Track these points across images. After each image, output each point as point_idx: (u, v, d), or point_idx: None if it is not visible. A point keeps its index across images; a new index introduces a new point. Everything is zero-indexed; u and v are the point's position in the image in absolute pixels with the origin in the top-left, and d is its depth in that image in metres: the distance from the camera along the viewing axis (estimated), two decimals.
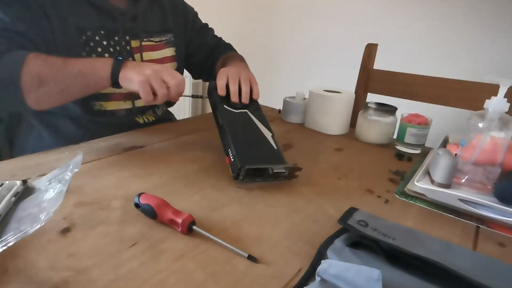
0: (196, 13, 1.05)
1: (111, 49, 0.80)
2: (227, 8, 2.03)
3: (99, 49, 0.78)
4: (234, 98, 0.71)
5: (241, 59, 0.98)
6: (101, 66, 0.66)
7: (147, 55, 0.87)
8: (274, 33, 1.96)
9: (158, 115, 0.97)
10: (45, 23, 0.71)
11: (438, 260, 0.40)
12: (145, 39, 0.87)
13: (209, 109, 2.38)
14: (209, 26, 1.08)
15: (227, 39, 1.10)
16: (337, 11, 1.72)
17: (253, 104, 0.74)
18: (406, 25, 1.54)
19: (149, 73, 0.64)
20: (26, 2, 0.69)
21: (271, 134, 0.68)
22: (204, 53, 1.04)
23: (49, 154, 0.67)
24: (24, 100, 0.64)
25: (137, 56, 0.85)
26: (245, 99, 0.72)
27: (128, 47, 0.83)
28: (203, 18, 1.06)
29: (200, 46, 1.03)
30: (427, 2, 1.47)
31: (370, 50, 1.08)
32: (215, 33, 1.09)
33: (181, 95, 0.70)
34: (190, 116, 2.14)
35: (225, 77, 0.73)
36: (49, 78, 0.64)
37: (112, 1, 0.80)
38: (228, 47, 1.06)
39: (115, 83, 0.66)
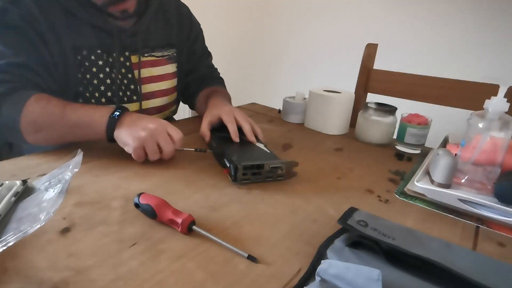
0: (200, 31, 1.02)
1: (107, 69, 0.78)
2: (227, 8, 2.03)
3: (94, 69, 0.77)
4: (235, 138, 0.71)
5: (226, 96, 0.95)
6: (98, 120, 0.64)
7: (147, 71, 0.86)
8: (274, 33, 1.96)
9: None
10: (43, 48, 0.71)
11: (438, 260, 0.40)
12: (146, 54, 0.85)
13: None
14: (209, 52, 1.06)
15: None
16: (337, 11, 1.72)
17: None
18: (406, 25, 1.54)
19: (144, 137, 0.61)
20: (23, 30, 0.68)
21: (264, 145, 0.70)
22: (192, 80, 1.01)
23: (49, 154, 0.67)
24: (26, 140, 0.67)
25: (136, 72, 0.83)
26: (251, 137, 0.72)
27: (127, 63, 0.81)
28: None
29: (191, 71, 1.00)
30: (427, 2, 1.47)
31: (370, 50, 1.08)
32: (215, 59, 1.07)
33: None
34: (190, 116, 2.14)
35: (231, 120, 0.73)
36: (45, 127, 0.65)
37: (115, 21, 0.78)
38: (218, 81, 1.04)
39: (110, 140, 0.65)
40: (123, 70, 0.81)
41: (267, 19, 1.96)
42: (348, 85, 1.15)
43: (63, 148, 0.70)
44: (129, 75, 0.82)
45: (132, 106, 0.85)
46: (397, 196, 0.61)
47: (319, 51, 1.82)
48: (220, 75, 1.09)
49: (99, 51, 0.77)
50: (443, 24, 1.45)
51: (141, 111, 0.86)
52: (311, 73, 1.87)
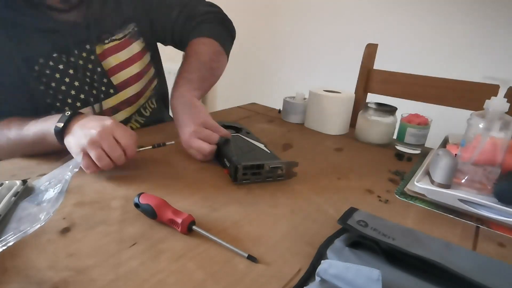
0: None
1: (71, 71, 0.72)
2: (227, 8, 2.03)
3: (57, 75, 0.71)
4: (228, 135, 0.68)
5: (204, 59, 0.80)
6: (49, 132, 0.60)
7: (114, 58, 0.79)
8: (274, 33, 1.96)
9: (146, 116, 0.91)
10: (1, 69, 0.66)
11: (438, 260, 0.40)
12: (106, 41, 0.77)
13: (209, 109, 2.38)
14: None
15: None
16: (337, 11, 1.72)
17: (242, 129, 0.78)
18: (406, 25, 1.54)
19: (84, 144, 0.55)
20: None
21: (264, 145, 0.70)
22: (168, 33, 0.89)
23: (49, 154, 0.67)
24: None
25: (105, 63, 0.77)
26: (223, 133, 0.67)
27: (92, 57, 0.75)
28: None
29: (164, 26, 0.88)
30: (427, 2, 1.47)
31: (370, 50, 1.08)
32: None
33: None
34: None
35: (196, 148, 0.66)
36: (11, 154, 0.66)
37: (61, 16, 0.71)
38: (197, 29, 0.86)
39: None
40: (90, 66, 0.75)
41: (267, 19, 1.96)
42: (348, 85, 1.15)
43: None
44: (98, 69, 0.76)
45: (112, 100, 0.80)
46: (397, 196, 0.61)
47: (319, 51, 1.82)
48: (202, 7, 0.91)
49: (55, 55, 0.70)
50: (443, 24, 1.45)
51: (116, 105, 0.81)
52: (311, 73, 1.87)
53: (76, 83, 0.74)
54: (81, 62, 0.73)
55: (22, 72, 0.68)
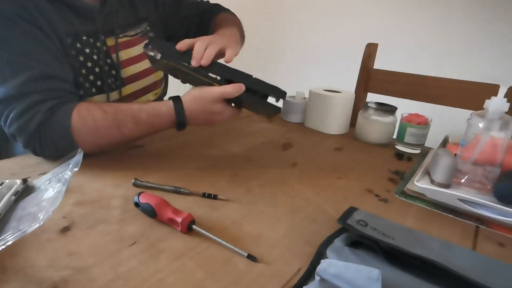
0: None
1: (94, 56, 0.73)
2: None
3: (81, 58, 0.71)
4: (194, 59, 0.63)
5: (233, 22, 0.88)
6: (166, 113, 0.64)
7: (125, 53, 0.80)
8: (274, 33, 1.96)
9: None
10: (49, 43, 0.65)
11: (437, 260, 0.40)
12: (120, 35, 0.79)
13: None
14: None
15: None
16: (337, 11, 1.72)
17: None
18: (406, 25, 1.54)
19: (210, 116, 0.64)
20: (28, 30, 0.62)
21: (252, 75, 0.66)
22: (186, 29, 0.94)
23: None
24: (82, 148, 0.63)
25: (114, 56, 0.78)
26: (204, 60, 0.63)
27: (104, 48, 0.75)
28: None
29: (179, 24, 0.93)
30: (427, 2, 1.47)
31: (370, 50, 1.08)
32: None
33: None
34: None
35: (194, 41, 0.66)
36: (114, 134, 0.63)
37: (87, 0, 0.72)
38: (215, 9, 0.95)
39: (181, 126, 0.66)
40: (101, 56, 0.75)
41: (267, 18, 1.96)
42: (348, 84, 1.15)
43: None
44: (108, 60, 0.77)
45: (119, 93, 0.80)
46: (396, 195, 0.61)
47: (319, 51, 1.82)
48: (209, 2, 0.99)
49: (84, 38, 0.71)
50: (443, 24, 1.45)
51: (123, 97, 0.81)
52: (311, 72, 1.87)
53: (97, 69, 0.74)
54: (95, 51, 0.74)
55: (66, 47, 0.68)
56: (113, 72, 0.78)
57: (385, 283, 0.34)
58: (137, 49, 0.84)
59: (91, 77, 0.74)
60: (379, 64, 1.09)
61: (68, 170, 0.44)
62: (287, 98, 1.02)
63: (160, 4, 0.91)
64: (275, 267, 0.41)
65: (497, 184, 0.56)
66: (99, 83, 0.75)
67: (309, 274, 0.39)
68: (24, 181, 0.51)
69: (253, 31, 2.03)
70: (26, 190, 0.49)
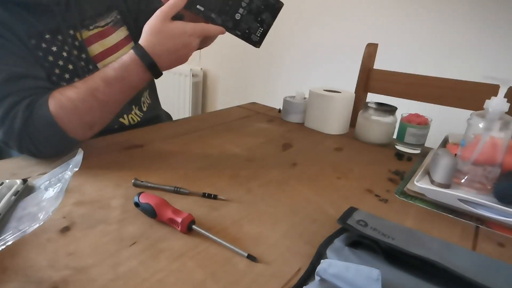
0: None
1: (64, 53, 0.70)
2: None
3: (51, 58, 0.68)
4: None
5: None
6: (130, 62, 0.59)
7: (99, 45, 0.77)
8: (274, 33, 1.96)
9: (144, 111, 0.90)
10: (16, 48, 0.63)
11: (437, 260, 0.40)
12: (91, 27, 0.75)
13: (209, 108, 2.38)
14: None
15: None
16: (337, 11, 1.72)
17: None
18: (406, 25, 1.54)
19: (192, 44, 0.59)
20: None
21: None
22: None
23: None
24: (73, 136, 0.61)
25: (90, 49, 0.75)
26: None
27: (76, 43, 0.72)
28: None
29: (148, 11, 0.88)
30: (427, 2, 1.47)
31: (371, 50, 1.08)
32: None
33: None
34: (190, 116, 2.14)
35: None
36: (93, 107, 0.60)
37: None
38: None
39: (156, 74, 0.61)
40: (75, 52, 0.72)
41: None
42: (348, 84, 1.15)
43: None
44: (83, 55, 0.74)
45: None
46: (396, 196, 0.61)
47: (319, 51, 1.82)
48: None
49: (47, 36, 0.68)
50: (443, 24, 1.45)
51: None
52: (311, 72, 1.87)
53: (70, 66, 0.71)
54: (66, 47, 0.71)
55: (29, 49, 0.65)
56: (90, 67, 0.76)
57: (385, 283, 0.34)
58: (111, 39, 0.80)
59: (66, 75, 0.71)
60: (379, 64, 1.09)
61: (68, 170, 0.44)
62: (287, 98, 1.02)
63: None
64: (275, 267, 0.41)
65: (497, 184, 0.56)
66: (76, 80, 0.70)
67: (309, 274, 0.39)
68: (24, 181, 0.51)
69: None
70: (26, 190, 0.49)
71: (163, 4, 0.84)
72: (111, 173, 0.61)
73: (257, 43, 0.66)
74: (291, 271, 0.40)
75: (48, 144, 0.61)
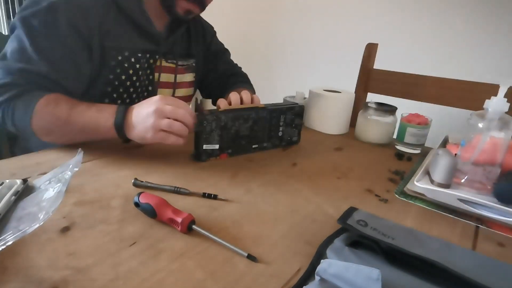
0: (213, 33, 1.03)
1: (140, 72, 0.80)
2: (227, 7, 2.03)
3: (131, 71, 0.78)
4: (222, 103, 0.72)
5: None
6: (103, 125, 0.64)
7: (166, 76, 0.87)
8: (274, 33, 1.96)
9: None
10: (84, 55, 0.71)
11: (437, 260, 0.40)
12: (169, 61, 0.87)
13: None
14: (225, 49, 1.06)
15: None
16: (337, 11, 1.72)
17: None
18: (406, 25, 1.54)
19: (153, 123, 0.60)
20: (67, 37, 0.68)
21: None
22: (212, 80, 1.03)
23: (49, 153, 0.67)
24: (41, 139, 0.67)
25: (156, 75, 0.85)
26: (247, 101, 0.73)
27: (152, 65, 0.83)
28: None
29: (209, 72, 1.02)
30: (427, 2, 1.47)
31: (370, 50, 1.08)
32: (231, 57, 1.07)
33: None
34: None
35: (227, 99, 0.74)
36: (55, 131, 0.66)
37: (157, 27, 0.81)
38: (240, 79, 1.04)
39: (124, 140, 0.66)
40: (147, 71, 0.82)
41: (267, 18, 1.96)
42: (348, 84, 1.15)
43: (64, 147, 0.70)
44: (150, 77, 0.84)
45: None
46: (396, 195, 0.61)
47: (319, 51, 1.82)
48: (243, 70, 1.09)
49: (139, 54, 0.79)
50: (443, 24, 1.45)
51: None
52: (311, 72, 1.87)
53: (138, 84, 0.81)
54: (148, 71, 0.82)
55: (106, 58, 0.74)
56: (150, 88, 0.85)
57: (385, 283, 0.34)
58: (178, 77, 0.91)
59: (131, 89, 0.81)
60: (379, 64, 1.09)
61: (68, 170, 0.44)
62: (287, 98, 1.02)
63: (206, 46, 1.00)
64: (275, 267, 0.41)
65: (497, 184, 0.56)
66: (134, 95, 0.82)
67: (309, 274, 0.39)
68: (24, 181, 0.51)
69: (253, 31, 2.03)
70: (26, 190, 0.49)
71: (221, 47, 1.06)
72: (111, 173, 0.61)
73: (297, 141, 0.83)
74: (291, 271, 0.40)
75: (11, 122, 0.66)
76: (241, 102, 0.73)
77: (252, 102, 0.75)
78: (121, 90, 0.79)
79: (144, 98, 0.82)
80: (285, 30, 1.91)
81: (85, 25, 0.69)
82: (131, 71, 0.78)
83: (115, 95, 0.79)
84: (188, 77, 0.94)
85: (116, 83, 0.77)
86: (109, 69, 0.75)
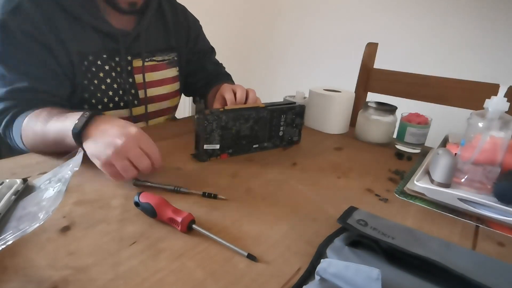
0: (199, 28, 1.00)
1: (113, 73, 0.79)
2: (227, 7, 2.03)
3: (101, 74, 0.77)
4: (230, 104, 0.75)
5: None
6: (68, 134, 0.56)
7: (148, 76, 0.86)
8: (274, 32, 1.96)
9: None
10: (51, 60, 0.70)
11: (437, 259, 0.40)
12: (147, 59, 0.85)
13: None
14: (212, 47, 1.05)
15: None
16: (337, 11, 1.72)
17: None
18: (406, 25, 1.54)
19: (111, 155, 0.52)
20: (26, 45, 0.67)
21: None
22: (200, 79, 1.02)
23: (49, 153, 0.67)
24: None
25: (137, 76, 0.83)
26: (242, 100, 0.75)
27: (129, 67, 0.81)
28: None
29: (196, 71, 1.01)
30: (427, 2, 1.47)
31: (371, 49, 1.08)
32: (216, 57, 1.07)
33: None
34: (190, 115, 2.14)
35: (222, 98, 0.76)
36: (39, 146, 0.66)
37: (116, 24, 0.78)
38: (226, 78, 1.04)
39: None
40: (123, 75, 0.81)
41: (267, 18, 1.96)
42: (348, 84, 1.15)
43: None
44: (130, 80, 0.82)
45: (134, 111, 0.85)
46: (396, 195, 0.61)
47: (319, 50, 1.82)
48: (226, 70, 1.09)
49: (104, 56, 0.77)
50: (443, 23, 1.45)
51: (133, 116, 0.85)
52: (311, 72, 1.87)
53: (115, 85, 0.80)
54: (118, 69, 0.80)
55: (73, 64, 0.73)
56: (132, 91, 0.84)
57: (385, 283, 0.34)
58: (160, 74, 0.89)
59: (110, 93, 0.79)
60: (379, 63, 1.09)
61: (68, 170, 0.44)
62: (287, 98, 1.02)
63: (191, 42, 0.97)
64: (275, 267, 0.41)
65: (497, 184, 0.56)
66: (116, 98, 0.81)
67: (309, 273, 0.39)
68: (24, 180, 0.51)
69: (253, 31, 2.03)
70: (26, 189, 0.49)
71: (207, 45, 1.03)
72: None
73: (298, 141, 0.83)
74: (291, 270, 0.40)
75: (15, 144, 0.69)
76: (235, 98, 0.75)
77: (247, 96, 0.76)
78: (99, 94, 0.77)
79: (132, 103, 0.83)
80: (285, 30, 1.91)
81: (39, 33, 0.68)
82: (101, 74, 0.77)
83: (93, 101, 0.77)
84: (171, 72, 0.92)
85: (92, 88, 0.76)
86: (81, 74, 0.74)
